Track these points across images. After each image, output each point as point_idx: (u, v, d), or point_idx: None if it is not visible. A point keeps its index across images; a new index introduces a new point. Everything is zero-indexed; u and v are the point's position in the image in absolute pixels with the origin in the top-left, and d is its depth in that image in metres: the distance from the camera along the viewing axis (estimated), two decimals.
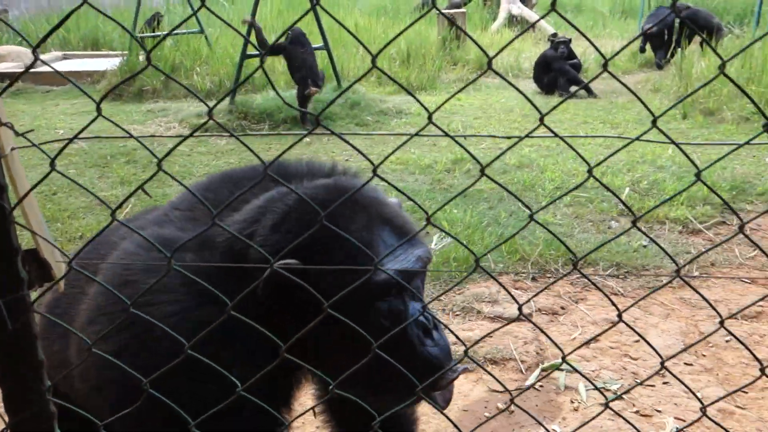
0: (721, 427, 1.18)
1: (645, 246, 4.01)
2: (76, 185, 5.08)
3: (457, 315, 3.32)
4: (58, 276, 1.06)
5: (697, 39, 9.87)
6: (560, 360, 2.94)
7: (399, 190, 0.99)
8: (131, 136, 0.83)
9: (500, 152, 1.09)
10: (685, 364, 2.94)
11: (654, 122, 0.94)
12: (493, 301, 3.41)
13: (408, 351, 1.32)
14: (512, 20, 13.12)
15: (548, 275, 3.73)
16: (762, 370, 1.14)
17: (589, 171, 0.95)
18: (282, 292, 1.26)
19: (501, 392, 2.76)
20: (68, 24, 11.05)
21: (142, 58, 8.90)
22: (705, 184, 1.02)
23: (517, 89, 0.99)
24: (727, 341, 3.08)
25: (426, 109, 0.95)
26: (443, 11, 10.79)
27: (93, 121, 0.78)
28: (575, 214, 4.51)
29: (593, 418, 1.44)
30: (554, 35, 9.42)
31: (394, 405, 1.32)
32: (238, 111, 7.16)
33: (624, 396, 2.71)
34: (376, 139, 6.43)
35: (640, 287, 3.62)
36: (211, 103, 7.65)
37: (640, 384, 2.74)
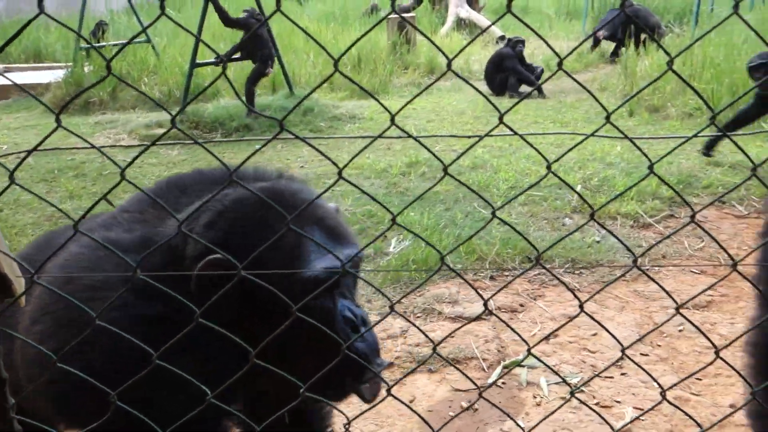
0: (680, 409, 1.22)
1: (598, 241, 4.10)
2: (21, 202, 4.95)
3: (418, 317, 3.34)
4: (19, 291, 1.03)
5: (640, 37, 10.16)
6: (521, 357, 2.98)
7: (365, 192, 1.00)
8: (94, 147, 0.82)
9: (458, 154, 1.11)
10: (642, 354, 3.02)
11: (608, 118, 0.97)
12: (453, 302, 3.45)
13: (336, 346, 1.35)
14: (461, 23, 13.27)
15: (506, 274, 3.78)
16: (716, 353, 1.18)
17: (548, 167, 0.97)
18: (215, 288, 1.27)
19: (464, 391, 2.79)
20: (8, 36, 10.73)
21: (87, 69, 8.71)
22: (657, 176, 1.06)
23: (477, 90, 1.01)
24: (680, 331, 3.18)
25: (389, 111, 0.96)
26: (394, 15, 10.85)
27: (53, 132, 0.77)
28: (530, 212, 4.59)
29: (554, 412, 1.47)
30: (502, 37, 9.56)
31: (325, 398, 1.41)
32: (189, 120, 7.08)
33: (584, 389, 2.77)
34: (331, 145, 6.43)
35: (595, 282, 3.70)
36: (162, 113, 7.55)
37: (599, 375, 2.80)
